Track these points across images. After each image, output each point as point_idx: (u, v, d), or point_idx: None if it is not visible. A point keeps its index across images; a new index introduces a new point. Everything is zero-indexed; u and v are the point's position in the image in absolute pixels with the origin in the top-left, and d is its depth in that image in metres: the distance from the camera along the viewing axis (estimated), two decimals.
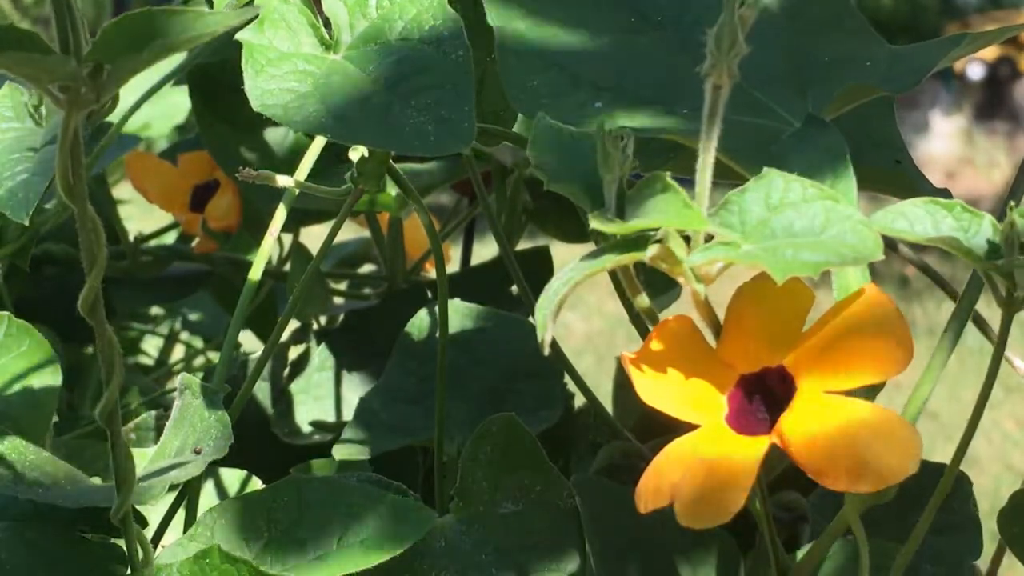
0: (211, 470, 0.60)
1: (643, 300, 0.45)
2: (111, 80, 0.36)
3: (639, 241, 0.40)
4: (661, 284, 0.64)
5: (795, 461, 0.38)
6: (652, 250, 0.40)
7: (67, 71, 0.35)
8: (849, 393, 0.40)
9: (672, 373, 0.42)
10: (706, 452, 0.39)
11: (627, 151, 0.41)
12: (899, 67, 0.52)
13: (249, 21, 0.49)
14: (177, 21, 0.35)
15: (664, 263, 0.41)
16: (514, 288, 0.79)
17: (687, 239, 0.41)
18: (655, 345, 0.42)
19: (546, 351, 0.38)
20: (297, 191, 0.56)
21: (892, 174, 0.54)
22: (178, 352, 1.08)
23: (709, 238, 0.40)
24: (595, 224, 0.40)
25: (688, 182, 0.42)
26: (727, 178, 0.47)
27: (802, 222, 0.39)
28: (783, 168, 0.40)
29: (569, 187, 0.42)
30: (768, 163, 0.41)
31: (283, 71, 0.49)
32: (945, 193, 0.53)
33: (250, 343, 0.89)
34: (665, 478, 0.39)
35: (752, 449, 0.39)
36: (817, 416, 0.39)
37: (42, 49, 0.34)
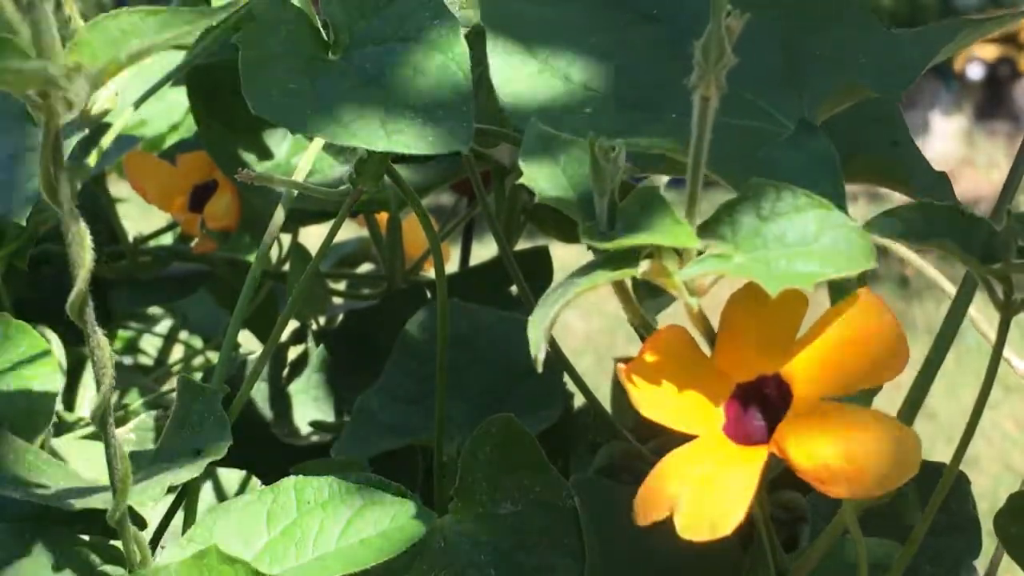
0: (210, 470, 0.60)
1: (637, 312, 0.44)
2: (90, 83, 0.36)
3: (631, 256, 0.40)
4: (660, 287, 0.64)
5: (794, 469, 0.38)
6: (643, 265, 0.40)
7: (45, 76, 0.34)
8: (846, 398, 0.39)
9: (667, 384, 0.41)
10: (704, 463, 0.39)
11: (618, 163, 0.40)
12: (895, 61, 0.52)
13: (246, 21, 0.49)
14: (153, 21, 0.35)
15: (656, 277, 0.41)
16: (513, 288, 0.79)
17: (678, 252, 0.41)
18: (649, 356, 0.42)
19: (539, 368, 0.38)
20: (296, 191, 0.56)
21: (888, 162, 0.54)
22: (177, 352, 1.08)
23: (701, 249, 0.40)
24: (585, 240, 0.40)
25: (684, 183, 0.42)
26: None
27: (794, 232, 0.39)
28: (772, 174, 0.40)
29: (560, 198, 0.42)
30: (757, 168, 0.41)
31: (281, 72, 0.49)
32: (943, 178, 0.52)
33: (250, 343, 0.89)
34: (663, 490, 0.39)
35: (751, 459, 0.39)
36: (814, 424, 0.39)
37: (19, 54, 0.34)
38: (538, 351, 0.38)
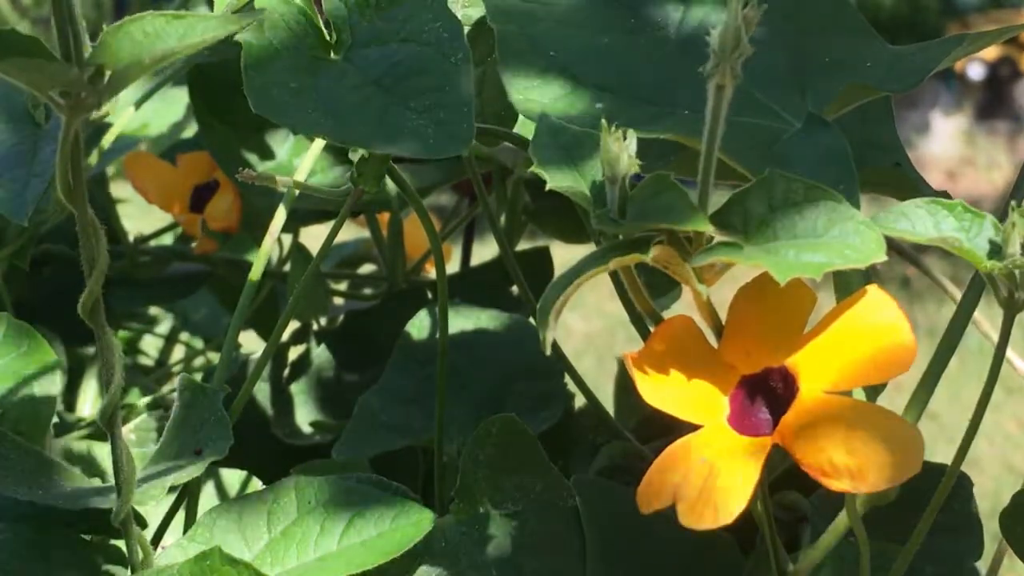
0: (211, 471, 0.60)
1: (645, 300, 0.45)
2: (112, 85, 0.36)
3: (641, 242, 0.40)
4: (663, 285, 0.64)
5: (797, 462, 0.38)
6: (654, 251, 0.40)
7: (68, 77, 0.34)
8: (851, 394, 0.40)
9: (674, 373, 0.42)
10: (708, 453, 0.39)
11: (630, 150, 0.41)
12: (899, 67, 0.52)
13: (250, 23, 0.49)
14: (179, 26, 0.35)
15: (666, 264, 0.41)
16: (514, 288, 0.79)
17: (689, 240, 0.41)
18: (657, 345, 0.42)
19: (548, 350, 0.38)
20: (297, 191, 0.56)
21: (893, 175, 0.54)
22: (178, 352, 1.08)
23: (711, 239, 0.40)
24: (597, 225, 0.40)
25: (690, 184, 0.42)
26: (728, 179, 0.47)
27: (804, 223, 0.39)
28: (785, 168, 0.40)
29: (571, 187, 0.42)
30: (770, 164, 0.41)
31: (283, 71, 0.49)
32: (945, 195, 0.53)
33: (250, 343, 0.89)
34: (667, 478, 0.39)
35: (754, 450, 0.39)
36: (819, 417, 0.39)
37: (44, 55, 0.34)
38: (547, 332, 0.38)
